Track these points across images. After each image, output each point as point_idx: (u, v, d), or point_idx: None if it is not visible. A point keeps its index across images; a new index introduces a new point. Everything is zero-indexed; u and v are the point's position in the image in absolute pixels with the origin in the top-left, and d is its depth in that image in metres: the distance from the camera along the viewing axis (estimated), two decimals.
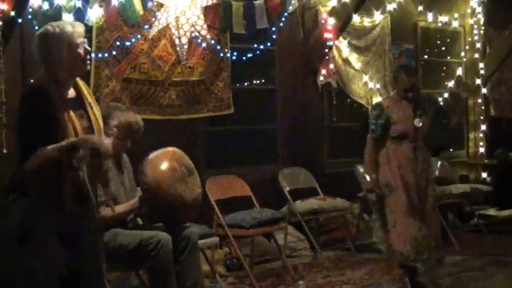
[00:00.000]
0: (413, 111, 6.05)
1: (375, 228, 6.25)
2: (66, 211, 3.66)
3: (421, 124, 6.00)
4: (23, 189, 3.66)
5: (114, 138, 4.78)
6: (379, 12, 9.49)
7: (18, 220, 3.67)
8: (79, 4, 6.48)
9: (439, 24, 10.65)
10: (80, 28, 3.84)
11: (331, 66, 8.82)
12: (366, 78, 9.22)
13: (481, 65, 11.12)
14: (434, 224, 6.12)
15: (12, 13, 5.86)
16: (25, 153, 3.58)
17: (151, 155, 5.04)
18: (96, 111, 3.93)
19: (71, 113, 3.74)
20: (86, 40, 3.85)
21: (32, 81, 3.86)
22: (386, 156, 6.07)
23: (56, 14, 6.31)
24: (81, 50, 3.79)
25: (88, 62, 3.88)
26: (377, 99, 9.17)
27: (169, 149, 5.19)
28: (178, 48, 7.37)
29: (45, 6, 6.28)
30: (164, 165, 4.97)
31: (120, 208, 5.03)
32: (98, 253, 3.95)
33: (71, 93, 3.86)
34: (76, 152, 3.68)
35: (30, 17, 6.22)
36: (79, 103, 3.86)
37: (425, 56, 10.61)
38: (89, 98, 3.93)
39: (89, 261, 3.86)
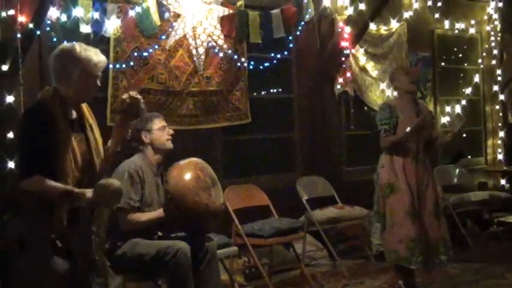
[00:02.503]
0: (416, 112, 6.09)
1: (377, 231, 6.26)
2: (56, 232, 3.66)
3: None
4: (17, 207, 3.66)
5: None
6: (396, 20, 9.48)
7: (16, 235, 3.66)
8: (97, 16, 6.52)
9: (456, 31, 10.62)
10: (103, 61, 3.87)
11: (348, 74, 8.81)
12: (383, 86, 9.21)
13: (498, 71, 11.09)
14: (434, 229, 6.07)
15: (31, 25, 5.91)
16: (25, 171, 3.59)
17: (176, 165, 5.08)
18: (96, 134, 3.93)
19: (72, 136, 3.74)
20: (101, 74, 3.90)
21: (38, 97, 3.85)
22: (390, 157, 6.09)
23: (73, 26, 6.36)
24: (98, 82, 3.84)
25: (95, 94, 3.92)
26: None
27: (193, 159, 5.23)
28: (195, 58, 7.39)
29: (63, 18, 6.33)
30: (188, 175, 5.01)
31: (148, 216, 5.08)
32: (91, 267, 3.94)
33: (72, 114, 3.86)
34: (77, 201, 3.68)
35: (48, 29, 6.26)
36: (79, 125, 3.86)
37: (442, 63, 10.56)
38: (90, 119, 3.93)
39: (81, 274, 3.84)
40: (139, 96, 3.98)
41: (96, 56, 3.82)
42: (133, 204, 5.01)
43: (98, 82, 3.86)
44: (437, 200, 6.24)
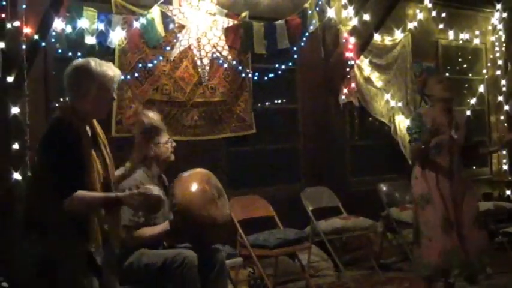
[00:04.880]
0: (449, 122, 5.95)
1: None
2: (88, 250, 3.65)
3: (457, 136, 5.85)
4: (42, 227, 3.63)
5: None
6: (400, 30, 9.49)
7: (39, 258, 3.64)
8: (101, 27, 6.55)
9: (460, 42, 10.63)
10: (118, 74, 3.88)
11: (353, 85, 8.82)
12: (387, 96, 9.20)
13: (503, 81, 11.08)
14: (474, 239, 5.94)
15: (36, 37, 5.93)
16: (65, 191, 3.54)
17: (181, 177, 5.02)
18: (108, 152, 3.92)
19: (92, 151, 3.74)
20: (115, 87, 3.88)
21: (57, 112, 3.83)
22: (423, 168, 5.88)
23: (78, 37, 6.38)
24: (114, 96, 3.85)
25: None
26: (399, 117, 9.16)
27: (198, 170, 5.18)
28: (200, 69, 7.41)
29: (68, 29, 6.35)
30: (195, 188, 4.94)
31: (153, 230, 5.04)
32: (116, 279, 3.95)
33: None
34: (119, 205, 3.70)
35: (53, 40, 6.29)
36: (94, 142, 3.84)
37: (447, 74, 10.50)
38: (102, 137, 3.93)
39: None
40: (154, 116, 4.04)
41: (111, 70, 3.82)
42: (139, 221, 4.97)
43: (114, 95, 3.86)
44: (477, 211, 6.03)
